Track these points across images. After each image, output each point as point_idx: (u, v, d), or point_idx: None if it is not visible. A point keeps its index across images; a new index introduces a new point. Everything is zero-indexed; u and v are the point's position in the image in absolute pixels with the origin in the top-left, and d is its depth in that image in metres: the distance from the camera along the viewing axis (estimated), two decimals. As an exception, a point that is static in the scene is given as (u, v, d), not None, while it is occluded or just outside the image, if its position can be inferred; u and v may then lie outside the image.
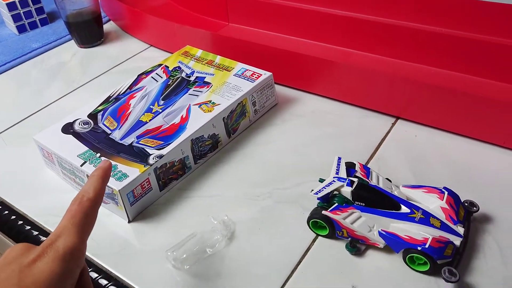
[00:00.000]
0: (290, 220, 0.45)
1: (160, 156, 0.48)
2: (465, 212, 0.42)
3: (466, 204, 0.43)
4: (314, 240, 0.43)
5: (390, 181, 0.46)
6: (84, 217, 0.30)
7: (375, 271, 0.40)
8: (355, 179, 0.43)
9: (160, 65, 0.64)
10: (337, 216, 0.41)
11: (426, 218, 0.40)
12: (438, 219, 0.40)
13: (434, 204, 0.42)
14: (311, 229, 0.44)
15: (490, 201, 0.45)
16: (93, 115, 0.55)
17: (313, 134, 0.56)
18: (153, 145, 0.49)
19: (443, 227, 0.40)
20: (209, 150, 0.54)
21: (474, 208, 0.42)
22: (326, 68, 0.59)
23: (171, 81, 0.60)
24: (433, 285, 0.38)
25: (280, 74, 0.64)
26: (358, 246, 0.41)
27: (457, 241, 0.39)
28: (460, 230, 0.40)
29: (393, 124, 0.57)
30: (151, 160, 0.47)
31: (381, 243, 0.40)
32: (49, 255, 0.27)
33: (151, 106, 0.56)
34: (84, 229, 0.30)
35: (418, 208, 0.41)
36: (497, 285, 0.38)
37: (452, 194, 0.42)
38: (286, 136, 0.57)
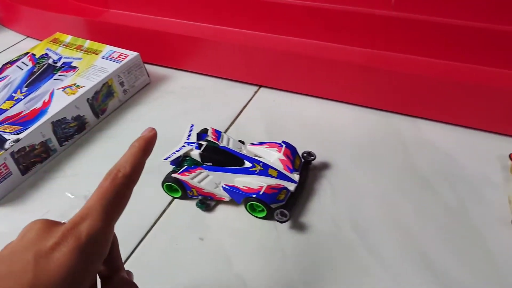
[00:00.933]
0: (150, 188, 0.47)
1: (17, 141, 0.48)
2: (301, 162, 0.46)
3: (304, 154, 0.47)
4: (170, 203, 0.46)
5: (243, 142, 0.50)
6: (116, 197, 0.25)
7: (222, 223, 0.43)
8: (204, 143, 0.47)
9: (27, 53, 0.63)
10: (185, 177, 0.44)
11: (265, 170, 0.44)
12: (275, 169, 0.44)
13: (274, 157, 0.46)
14: (167, 193, 0.46)
15: (331, 151, 0.50)
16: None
17: (181, 108, 0.59)
18: (11, 131, 0.49)
19: (280, 176, 0.44)
20: (75, 132, 0.54)
21: (311, 157, 0.47)
22: (193, 45, 0.62)
23: (36, 68, 0.60)
24: (272, 227, 0.42)
25: (153, 54, 0.66)
26: (207, 202, 0.45)
27: (291, 186, 0.44)
28: (296, 177, 0.44)
29: (256, 92, 0.61)
30: (6, 145, 0.47)
31: (226, 197, 0.44)
32: (69, 242, 0.23)
33: (13, 94, 0.55)
34: (113, 212, 0.25)
35: (259, 162, 0.45)
36: (326, 222, 0.43)
37: (289, 146, 0.46)
38: (155, 112, 0.59)
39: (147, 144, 0.28)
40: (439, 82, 0.49)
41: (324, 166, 0.49)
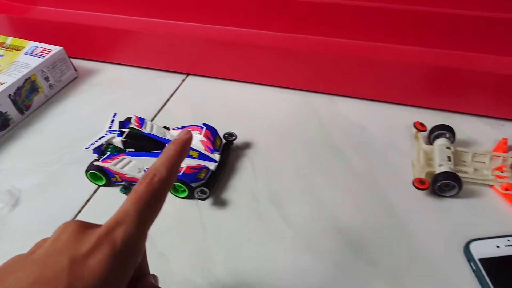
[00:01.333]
0: (76, 178, 0.48)
1: None
2: (222, 142, 0.48)
3: (226, 135, 0.49)
4: (95, 191, 0.47)
5: (168, 128, 0.51)
6: (151, 201, 0.24)
7: (147, 205, 0.45)
8: (126, 130, 0.48)
9: None
10: (107, 164, 0.45)
11: (186, 152, 0.46)
12: (196, 150, 0.46)
13: (196, 139, 0.47)
14: (92, 181, 0.47)
15: (253, 132, 0.52)
16: None
17: (109, 100, 0.59)
18: None
19: (201, 156, 0.46)
20: (-2, 129, 0.54)
21: (233, 137, 0.49)
22: (119, 38, 0.62)
23: (-45, 67, 0.58)
24: (194, 205, 0.44)
25: (80, 48, 0.66)
26: (130, 187, 0.46)
27: (212, 166, 0.45)
28: (216, 156, 0.46)
29: (183, 80, 0.62)
30: None
31: (149, 180, 0.45)
32: (104, 249, 0.22)
33: None
34: (148, 218, 0.24)
35: (180, 145, 0.46)
36: (247, 197, 0.45)
37: (209, 128, 0.48)
38: (82, 105, 0.59)
39: (183, 146, 0.27)
40: (349, 61, 0.53)
41: (247, 145, 0.51)
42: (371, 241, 0.40)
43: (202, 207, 0.44)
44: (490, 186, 0.44)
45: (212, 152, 0.46)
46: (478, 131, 0.50)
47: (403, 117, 0.53)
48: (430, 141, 0.48)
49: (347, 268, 0.38)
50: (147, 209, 0.24)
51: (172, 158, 0.26)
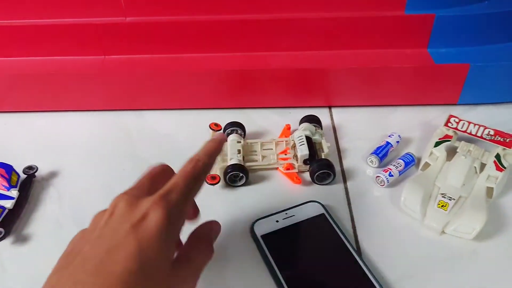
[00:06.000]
0: None
1: None
2: (19, 177, 0.48)
3: (26, 169, 0.49)
4: None
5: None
6: (196, 179, 0.32)
7: None
8: None
9: None
10: None
11: (-22, 195, 0.44)
12: (-10, 191, 0.45)
13: None
14: None
15: (60, 160, 0.52)
16: None
17: None
18: None
19: (-4, 196, 0.44)
20: None
21: (32, 170, 0.49)
22: None
23: None
24: (-6, 248, 0.43)
25: None
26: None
27: (8, 203, 0.44)
28: (14, 193, 0.45)
29: (-14, 118, 0.59)
30: None
31: None
32: (159, 211, 0.28)
33: None
34: (192, 190, 0.32)
35: (-29, 189, 0.45)
36: (51, 226, 0.45)
37: (2, 165, 0.47)
38: None
39: (220, 144, 0.36)
40: (144, 75, 0.55)
41: (53, 175, 0.50)
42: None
43: (1, 248, 0.43)
44: (277, 169, 0.50)
45: (8, 189, 0.45)
46: (271, 122, 0.57)
47: (206, 120, 0.56)
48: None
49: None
50: (192, 184, 0.31)
51: (212, 149, 0.35)
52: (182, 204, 0.30)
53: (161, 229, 0.27)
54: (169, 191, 0.30)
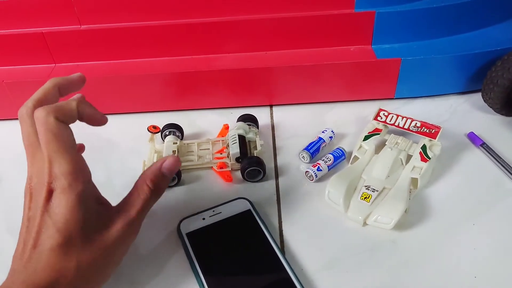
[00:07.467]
0: None
1: None
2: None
3: (-38, 177, 0.49)
4: None
5: None
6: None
7: None
8: None
9: None
10: None
11: None
12: None
13: None
14: None
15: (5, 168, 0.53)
16: None
17: None
18: None
19: None
20: None
21: (-31, 178, 0.49)
22: None
23: None
24: None
25: None
26: None
27: None
28: None
29: None
30: None
31: None
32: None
33: None
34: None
35: None
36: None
37: None
38: None
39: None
40: (94, 81, 0.56)
41: (-9, 182, 0.51)
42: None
43: None
44: (211, 168, 0.51)
45: None
46: (211, 122, 0.57)
47: (149, 123, 0.57)
48: (163, 140, 0.54)
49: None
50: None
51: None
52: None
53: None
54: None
